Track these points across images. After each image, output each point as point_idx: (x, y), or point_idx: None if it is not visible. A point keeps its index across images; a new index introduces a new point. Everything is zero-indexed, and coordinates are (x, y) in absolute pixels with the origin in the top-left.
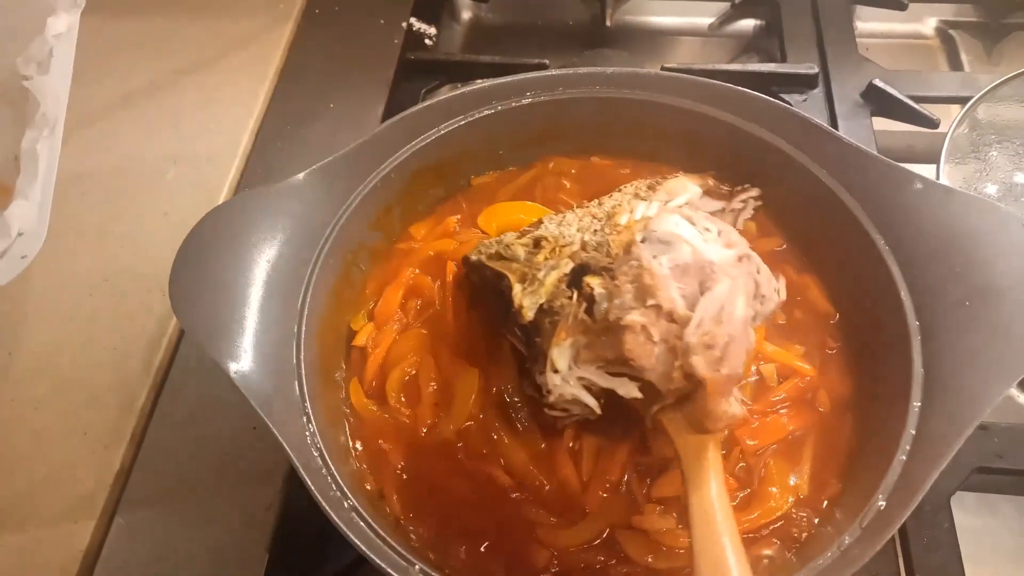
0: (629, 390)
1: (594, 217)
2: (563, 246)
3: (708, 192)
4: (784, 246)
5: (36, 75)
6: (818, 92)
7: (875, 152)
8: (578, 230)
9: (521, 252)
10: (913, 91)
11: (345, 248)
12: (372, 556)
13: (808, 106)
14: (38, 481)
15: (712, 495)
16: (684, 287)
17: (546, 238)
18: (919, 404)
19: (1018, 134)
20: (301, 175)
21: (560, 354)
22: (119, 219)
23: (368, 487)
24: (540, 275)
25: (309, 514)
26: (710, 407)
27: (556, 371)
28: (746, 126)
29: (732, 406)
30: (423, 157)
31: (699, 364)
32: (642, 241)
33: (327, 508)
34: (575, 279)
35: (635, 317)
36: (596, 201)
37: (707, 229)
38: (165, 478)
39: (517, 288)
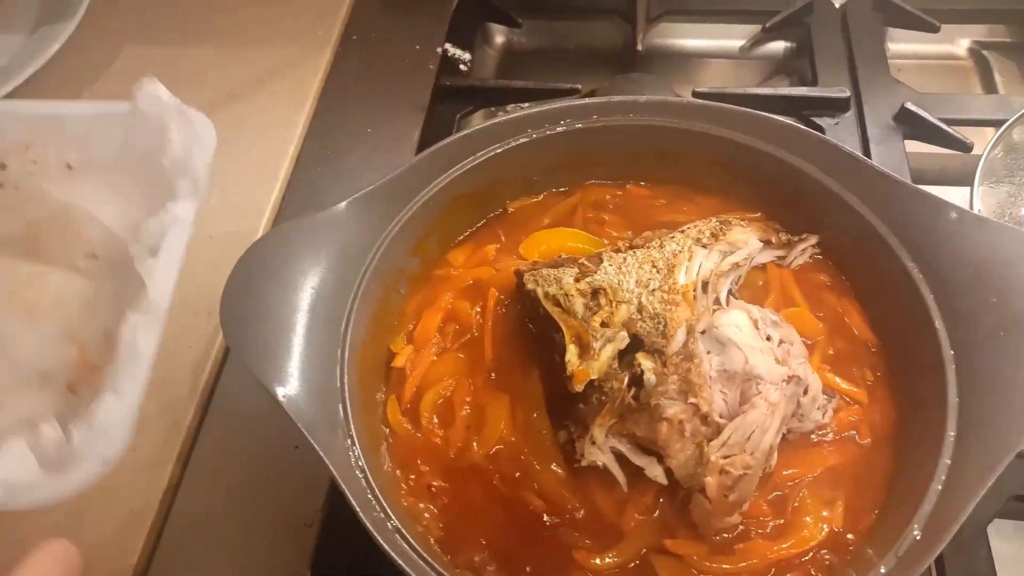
0: (657, 474)
1: (654, 265)
2: (620, 302)
3: (767, 241)
4: (822, 264)
5: (146, 257)
6: (850, 115)
7: (907, 180)
8: (636, 283)
9: (579, 307)
10: (946, 114)
11: (385, 274)
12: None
13: (840, 130)
14: (90, 498)
15: None
16: (727, 394)
17: (604, 289)
18: (954, 434)
19: None
20: (343, 204)
21: (600, 431)
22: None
23: (407, 506)
24: (596, 346)
25: (350, 531)
26: (710, 520)
27: (594, 443)
28: (778, 153)
29: (728, 522)
30: (460, 185)
31: (711, 485)
32: (701, 332)
33: (372, 529)
34: (628, 349)
35: (675, 411)
36: (657, 242)
37: (768, 338)
38: (211, 495)
39: (572, 352)
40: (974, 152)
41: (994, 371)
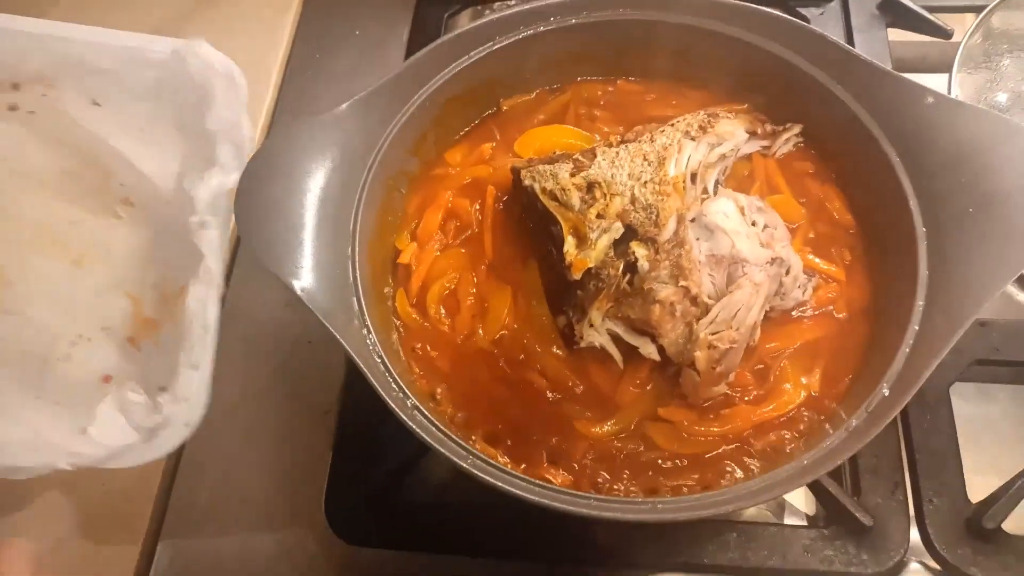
0: (650, 351)
1: (645, 158)
2: (614, 195)
3: (752, 133)
4: (805, 151)
5: (199, 228)
6: (835, 5)
7: (889, 67)
8: (629, 176)
9: (575, 200)
10: (928, 1)
11: (387, 175)
12: (436, 446)
13: (825, 19)
14: None
15: None
16: (715, 276)
17: (599, 183)
18: (923, 303)
19: None
20: (344, 106)
21: (598, 315)
22: None
23: (420, 388)
24: (592, 236)
25: (366, 416)
26: (699, 391)
27: (591, 325)
28: (765, 44)
29: (715, 391)
30: (455, 85)
31: (700, 359)
32: (691, 220)
33: (393, 406)
34: (622, 238)
35: (667, 293)
36: (648, 136)
37: (753, 223)
38: (232, 392)
39: (570, 243)
40: (955, 39)
41: (961, 247)
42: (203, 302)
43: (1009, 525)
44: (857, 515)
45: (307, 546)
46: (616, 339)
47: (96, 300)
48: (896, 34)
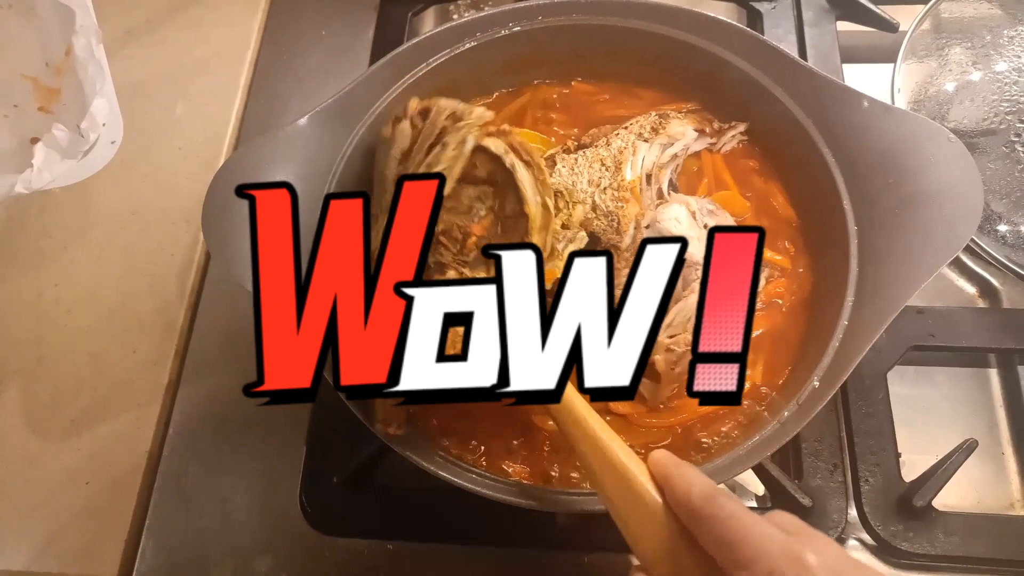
0: None
1: (603, 163)
2: (576, 203)
3: (701, 131)
4: (751, 149)
5: None
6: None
7: (837, 60)
8: (589, 183)
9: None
10: None
11: (350, 183)
12: (396, 446)
13: (776, 13)
14: (100, 397)
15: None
16: None
17: (561, 192)
18: (852, 300)
19: (979, 31)
20: (304, 119)
21: None
22: (138, 156)
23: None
24: (559, 247)
25: (339, 411)
26: (658, 392)
27: None
28: (711, 48)
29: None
30: (414, 90)
31: (659, 362)
32: (646, 227)
33: (354, 408)
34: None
35: None
36: (604, 140)
37: (705, 226)
38: (209, 385)
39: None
40: (903, 30)
41: (888, 245)
42: (87, 48)
43: (940, 502)
44: (797, 496)
45: (285, 538)
46: None
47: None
48: (846, 26)
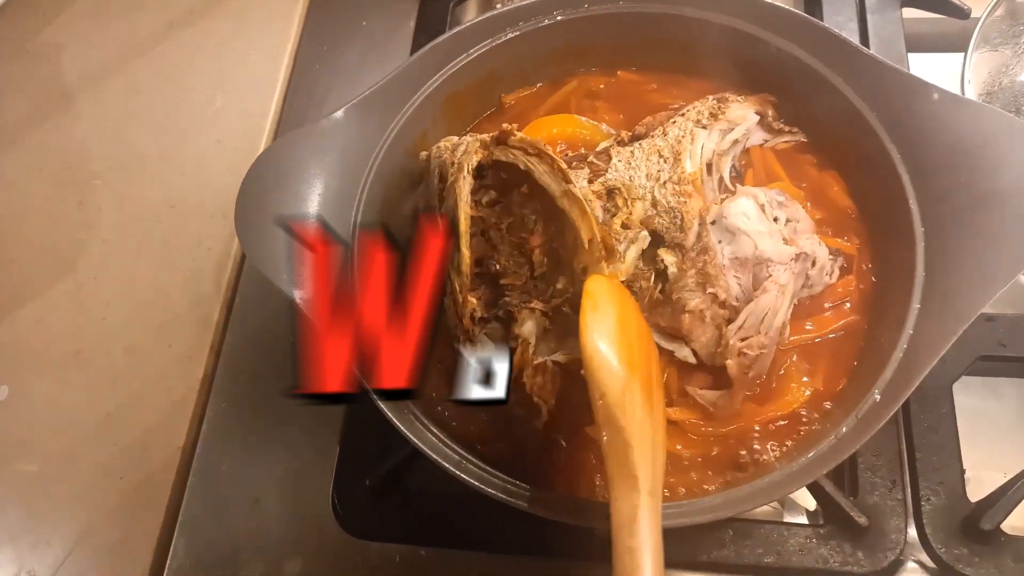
0: (686, 355)
1: (660, 155)
2: (635, 199)
3: (761, 124)
4: (803, 143)
5: None
6: None
7: (903, 49)
8: (647, 177)
9: (599, 209)
10: None
11: (388, 177)
12: (429, 452)
13: (837, 1)
14: (135, 391)
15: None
16: (740, 277)
17: (619, 188)
18: (919, 307)
19: None
20: (340, 112)
21: None
22: (176, 149)
23: (424, 391)
24: (621, 248)
25: (373, 410)
26: (731, 401)
27: None
28: (767, 37)
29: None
30: (455, 82)
31: (732, 367)
32: (712, 223)
33: (389, 414)
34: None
35: (696, 303)
36: (660, 129)
37: (775, 219)
38: (243, 382)
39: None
40: (974, 16)
41: (959, 249)
42: None
43: (1008, 525)
44: (852, 515)
45: (316, 540)
46: None
47: None
48: (912, 12)
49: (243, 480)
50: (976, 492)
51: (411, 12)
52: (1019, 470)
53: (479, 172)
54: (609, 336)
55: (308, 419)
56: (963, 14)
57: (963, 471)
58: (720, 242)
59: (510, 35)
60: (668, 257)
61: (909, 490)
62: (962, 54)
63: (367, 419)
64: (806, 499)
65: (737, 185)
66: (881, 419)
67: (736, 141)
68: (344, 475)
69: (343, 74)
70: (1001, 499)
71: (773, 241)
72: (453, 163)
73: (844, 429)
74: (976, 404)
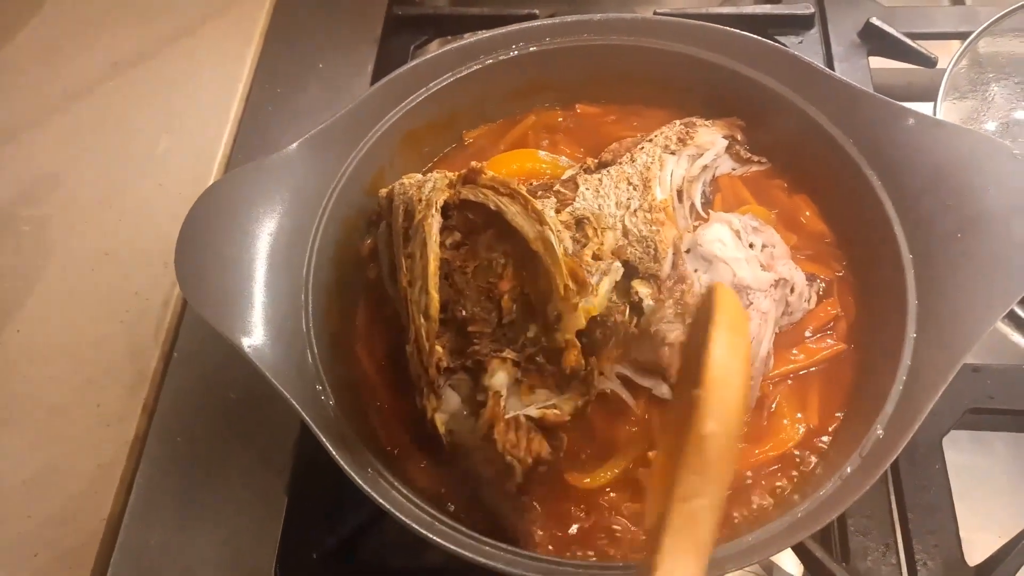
0: (664, 392)
1: (629, 182)
2: (605, 229)
3: (729, 152)
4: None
5: None
6: (814, 33)
7: (864, 87)
8: (617, 205)
9: (568, 240)
10: (912, 28)
11: (344, 214)
12: (397, 514)
13: (804, 48)
14: (59, 454)
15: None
16: None
17: (587, 218)
18: (915, 335)
19: (1019, 70)
20: (293, 146)
21: (607, 364)
22: (117, 193)
23: (386, 444)
24: (593, 280)
25: (322, 474)
26: None
27: (601, 373)
28: (734, 66)
29: None
30: (413, 117)
31: None
32: (687, 252)
33: (346, 468)
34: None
35: (676, 335)
36: (628, 156)
37: (751, 245)
38: (178, 444)
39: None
40: (940, 66)
41: (951, 273)
42: None
43: None
44: None
45: None
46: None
47: None
48: (879, 62)
49: (175, 554)
50: (974, 556)
51: (370, 54)
52: (1017, 530)
53: (443, 212)
54: (743, 361)
55: (250, 483)
56: (930, 63)
57: (958, 532)
58: (696, 271)
59: (470, 69)
60: (643, 289)
61: (903, 554)
62: (931, 103)
63: (317, 480)
64: (792, 565)
65: (709, 211)
66: (889, 456)
67: (706, 167)
68: (289, 546)
69: (298, 116)
70: (1001, 563)
71: (751, 268)
72: (420, 200)
73: (848, 469)
74: (967, 460)
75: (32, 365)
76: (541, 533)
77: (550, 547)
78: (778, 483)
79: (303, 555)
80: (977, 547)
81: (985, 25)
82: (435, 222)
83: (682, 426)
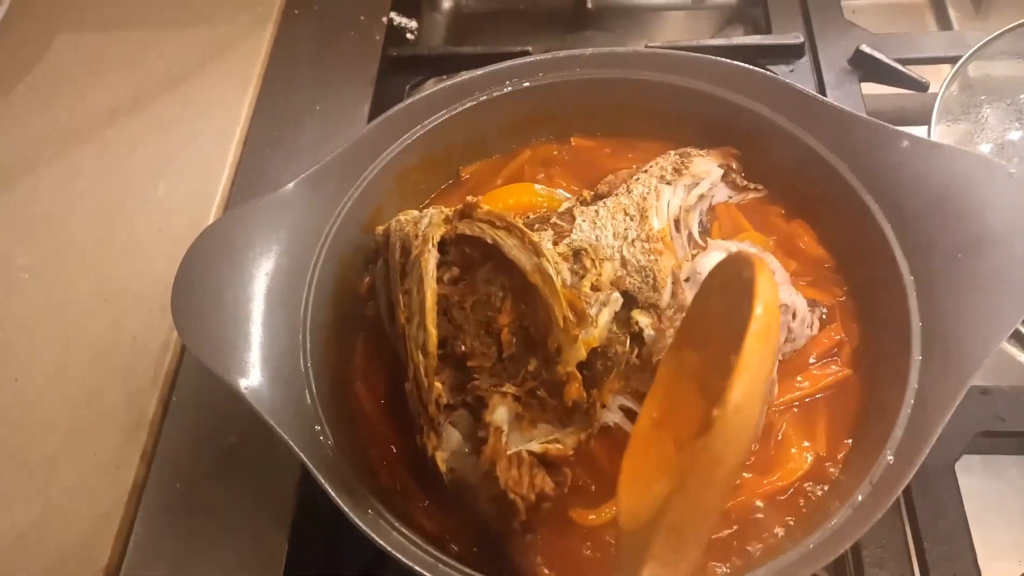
0: None
1: (626, 213)
2: (603, 260)
3: (725, 180)
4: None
5: None
6: (805, 61)
7: (857, 112)
8: (614, 236)
9: (567, 272)
10: (901, 54)
11: (341, 253)
12: (399, 555)
13: (795, 76)
14: (54, 505)
15: None
16: None
17: (585, 249)
18: (920, 358)
19: (1009, 92)
20: (290, 185)
21: (609, 396)
22: (114, 238)
23: (387, 484)
24: (592, 312)
25: (323, 518)
26: None
27: (603, 406)
28: (728, 95)
29: None
30: (409, 154)
31: None
32: (686, 280)
33: (346, 509)
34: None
35: None
36: (624, 187)
37: None
38: (178, 491)
39: (566, 323)
40: (931, 91)
41: (954, 294)
42: None
43: None
44: None
45: None
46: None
47: None
48: (871, 88)
49: None
50: None
51: (366, 95)
52: None
53: (440, 248)
54: (774, 344)
55: (250, 529)
56: (922, 87)
57: (977, 561)
58: None
59: (465, 106)
60: (643, 319)
61: None
62: (925, 127)
63: (318, 525)
64: None
65: (707, 239)
66: (900, 482)
67: (702, 196)
68: None
69: (296, 158)
70: None
71: None
72: (417, 235)
73: (859, 497)
74: (981, 485)
75: (29, 413)
76: (547, 572)
77: None
78: (788, 514)
79: None
80: (996, 575)
81: (973, 49)
82: (432, 257)
83: (679, 394)
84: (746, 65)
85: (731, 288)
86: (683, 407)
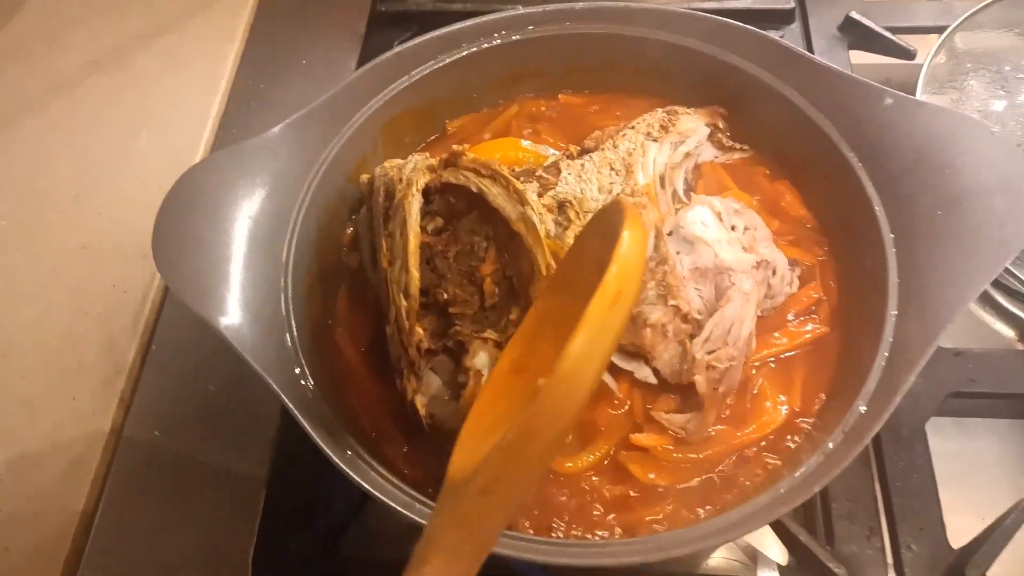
0: (646, 375)
1: (611, 167)
2: (587, 212)
3: (712, 140)
4: (754, 156)
5: None
6: (795, 27)
7: (842, 69)
8: (599, 189)
9: (551, 223)
10: (891, 22)
11: (325, 201)
12: (377, 494)
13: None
14: (31, 450)
15: None
16: (702, 289)
17: (570, 201)
18: (896, 312)
19: (995, 61)
20: (276, 129)
21: None
22: (94, 189)
23: (367, 429)
24: None
25: (301, 466)
26: (703, 423)
27: None
28: (716, 53)
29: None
30: (396, 105)
31: (700, 383)
32: (669, 234)
33: (325, 448)
34: None
35: (657, 316)
36: (610, 142)
37: (732, 227)
38: (156, 437)
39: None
40: (918, 60)
41: (931, 250)
42: None
43: (994, 572)
44: (830, 566)
45: None
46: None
47: None
48: (859, 56)
49: (150, 549)
50: (958, 539)
51: (354, 50)
52: (999, 513)
53: (425, 196)
54: (623, 312)
55: (228, 475)
56: (909, 55)
57: (942, 516)
58: (679, 253)
59: (453, 57)
60: None
61: (888, 538)
62: (911, 96)
63: (297, 472)
64: (778, 551)
65: (691, 195)
66: (870, 432)
67: (688, 154)
68: (267, 539)
69: (281, 111)
70: (984, 544)
71: (733, 249)
72: (401, 180)
73: (830, 445)
74: (950, 446)
75: (5, 358)
76: (522, 517)
77: (531, 530)
78: (761, 465)
79: (281, 548)
80: (961, 530)
81: (961, 19)
82: (415, 200)
83: (540, 340)
84: (735, 22)
85: (607, 236)
86: (539, 355)
